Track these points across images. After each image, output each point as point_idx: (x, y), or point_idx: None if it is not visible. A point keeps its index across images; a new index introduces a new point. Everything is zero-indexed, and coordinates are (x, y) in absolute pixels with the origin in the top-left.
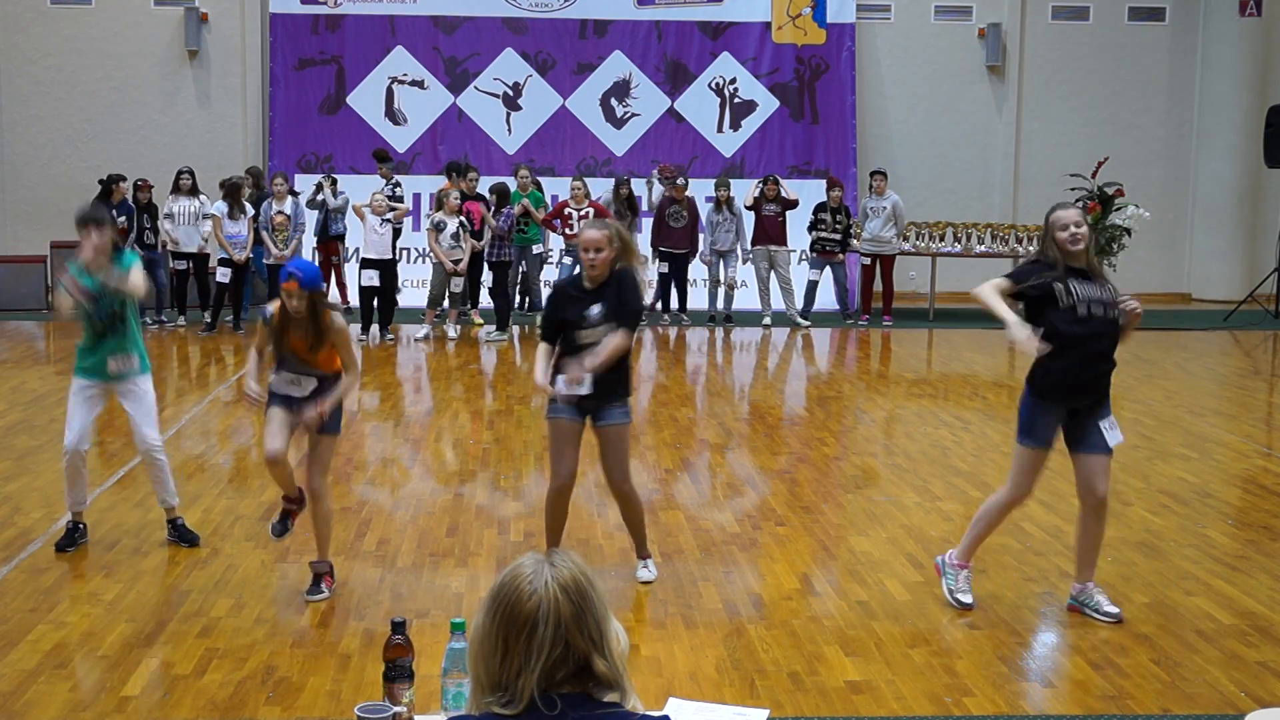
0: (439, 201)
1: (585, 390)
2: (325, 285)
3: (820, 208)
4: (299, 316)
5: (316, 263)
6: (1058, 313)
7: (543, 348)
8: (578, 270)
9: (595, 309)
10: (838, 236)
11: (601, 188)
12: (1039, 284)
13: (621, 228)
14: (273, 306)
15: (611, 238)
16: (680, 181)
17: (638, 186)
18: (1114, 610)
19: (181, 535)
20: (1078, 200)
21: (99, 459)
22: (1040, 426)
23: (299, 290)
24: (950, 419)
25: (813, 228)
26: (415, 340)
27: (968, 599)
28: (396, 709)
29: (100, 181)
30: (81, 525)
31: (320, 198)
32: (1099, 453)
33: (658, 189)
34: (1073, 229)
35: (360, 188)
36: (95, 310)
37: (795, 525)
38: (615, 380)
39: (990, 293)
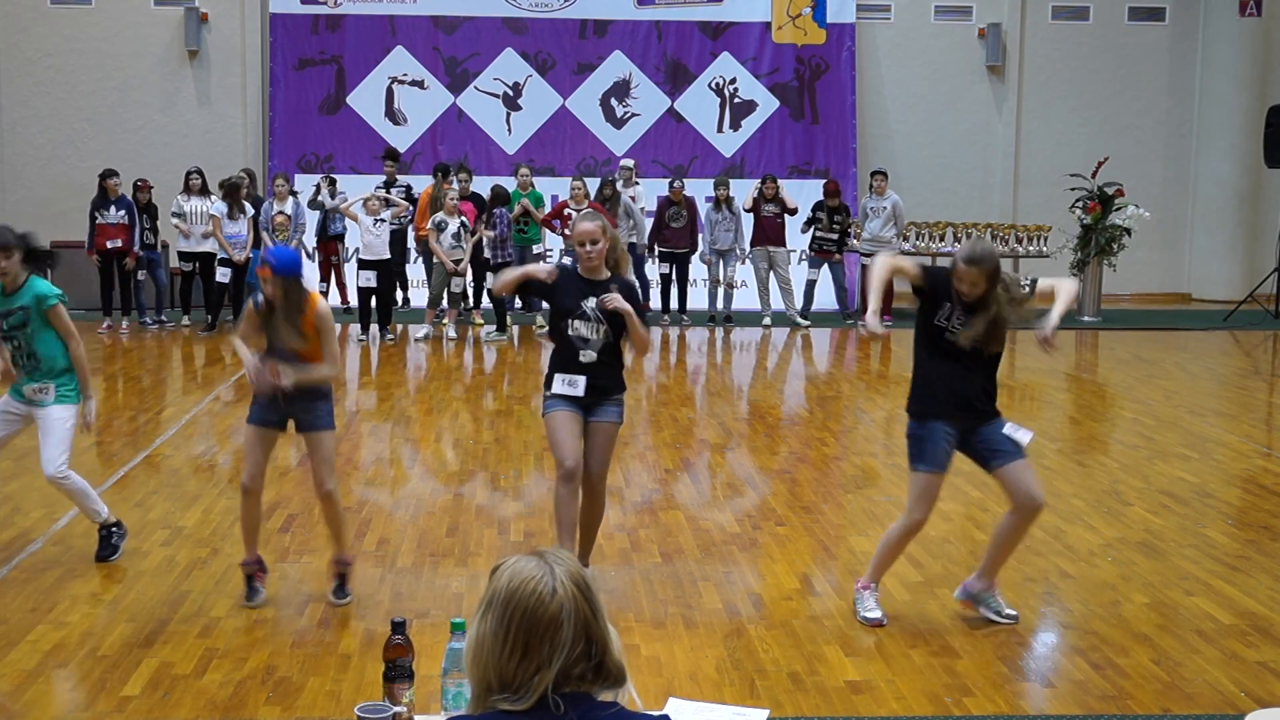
0: (435, 202)
1: (579, 391)
2: (325, 285)
3: (818, 206)
4: (279, 303)
5: (316, 262)
6: (931, 326)
7: (505, 274)
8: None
9: (591, 303)
10: (835, 236)
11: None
12: (938, 286)
13: (610, 226)
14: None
15: (605, 228)
16: (678, 184)
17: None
18: (1013, 613)
19: (103, 546)
20: (1078, 200)
21: (98, 459)
22: (931, 450)
23: (272, 276)
24: None
25: (809, 225)
26: (415, 340)
27: (878, 614)
28: (396, 709)
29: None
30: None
31: (320, 198)
32: (1016, 459)
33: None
34: (968, 287)
35: (361, 188)
36: (4, 334)
37: (795, 525)
38: (613, 376)
39: (883, 269)
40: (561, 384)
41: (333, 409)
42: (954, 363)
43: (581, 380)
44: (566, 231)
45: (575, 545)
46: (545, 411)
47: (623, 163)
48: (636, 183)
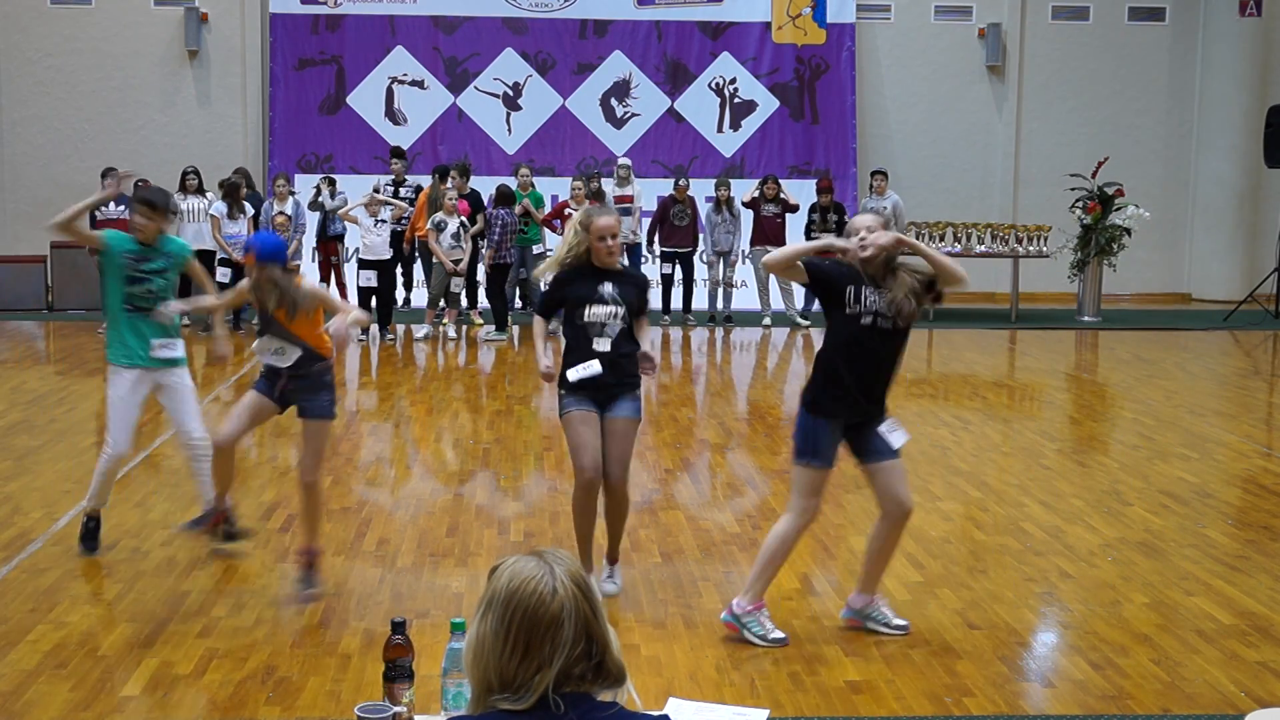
0: (434, 204)
1: (596, 370)
2: (325, 285)
3: (811, 208)
4: (267, 290)
5: (316, 263)
6: (843, 317)
7: (538, 322)
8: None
9: (608, 286)
10: (831, 236)
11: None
12: (832, 274)
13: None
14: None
15: (620, 220)
16: (682, 183)
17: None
18: (902, 622)
19: (228, 533)
20: (1078, 200)
21: (98, 459)
22: (822, 445)
23: (255, 264)
24: (950, 419)
25: (808, 230)
26: (415, 340)
27: (779, 634)
28: (396, 709)
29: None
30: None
31: (319, 200)
32: (888, 458)
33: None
34: (863, 233)
35: (361, 188)
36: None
37: None
38: (629, 368)
39: (791, 250)
40: (577, 371)
41: (334, 399)
42: (866, 359)
43: (596, 364)
44: None
45: (590, 555)
46: (563, 411)
47: (620, 161)
48: (630, 182)
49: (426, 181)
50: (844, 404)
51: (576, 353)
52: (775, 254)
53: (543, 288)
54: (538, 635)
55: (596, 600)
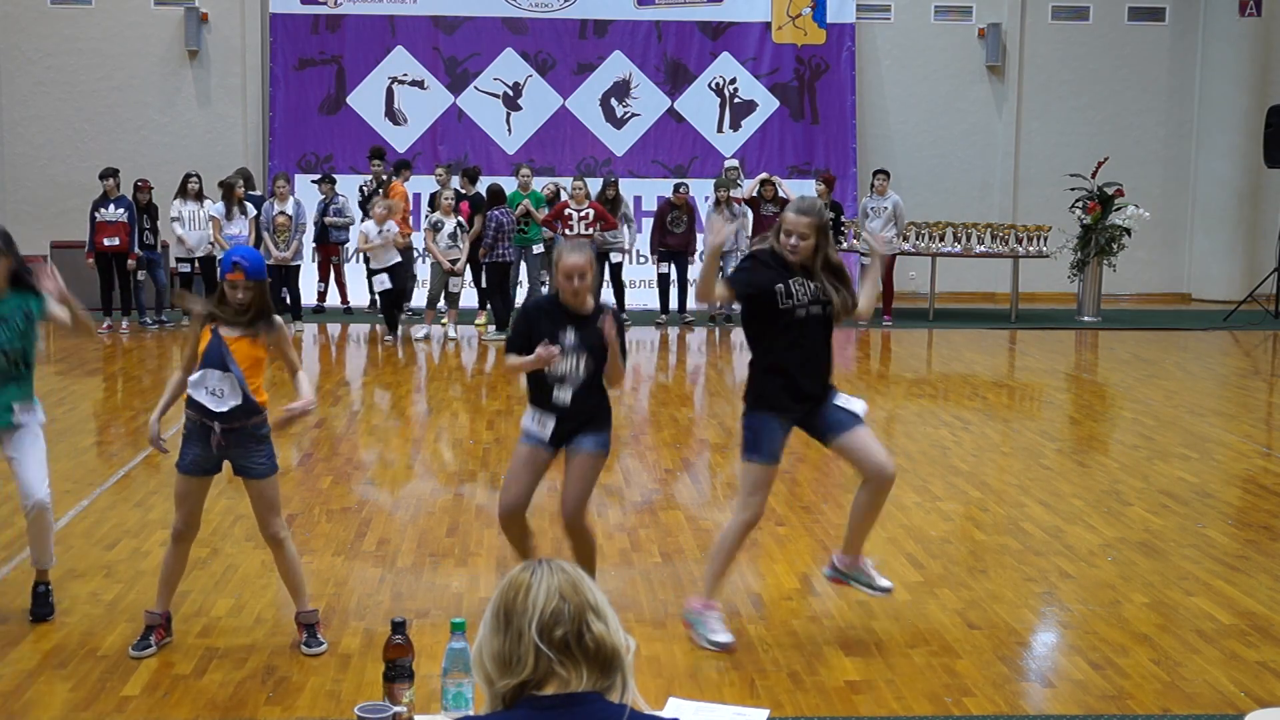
0: (432, 202)
1: (546, 434)
2: (324, 285)
3: None
4: (242, 310)
5: (316, 263)
6: (777, 314)
7: (514, 357)
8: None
9: (570, 335)
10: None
11: (599, 188)
12: (757, 279)
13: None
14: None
15: (592, 261)
16: (681, 189)
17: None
18: (886, 584)
19: (43, 603)
20: (1078, 200)
21: (98, 459)
22: (769, 440)
23: (245, 281)
24: (950, 419)
25: None
26: (415, 340)
27: (726, 637)
28: (396, 709)
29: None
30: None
31: (330, 220)
32: (852, 425)
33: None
34: (796, 239)
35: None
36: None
37: (795, 525)
38: (595, 406)
39: (704, 271)
40: (531, 420)
41: (273, 452)
42: (799, 350)
43: (551, 421)
44: (566, 232)
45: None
46: (522, 441)
47: (728, 164)
48: (739, 185)
49: (416, 184)
50: (789, 393)
51: (536, 397)
52: (698, 285)
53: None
54: (514, 604)
55: (578, 578)
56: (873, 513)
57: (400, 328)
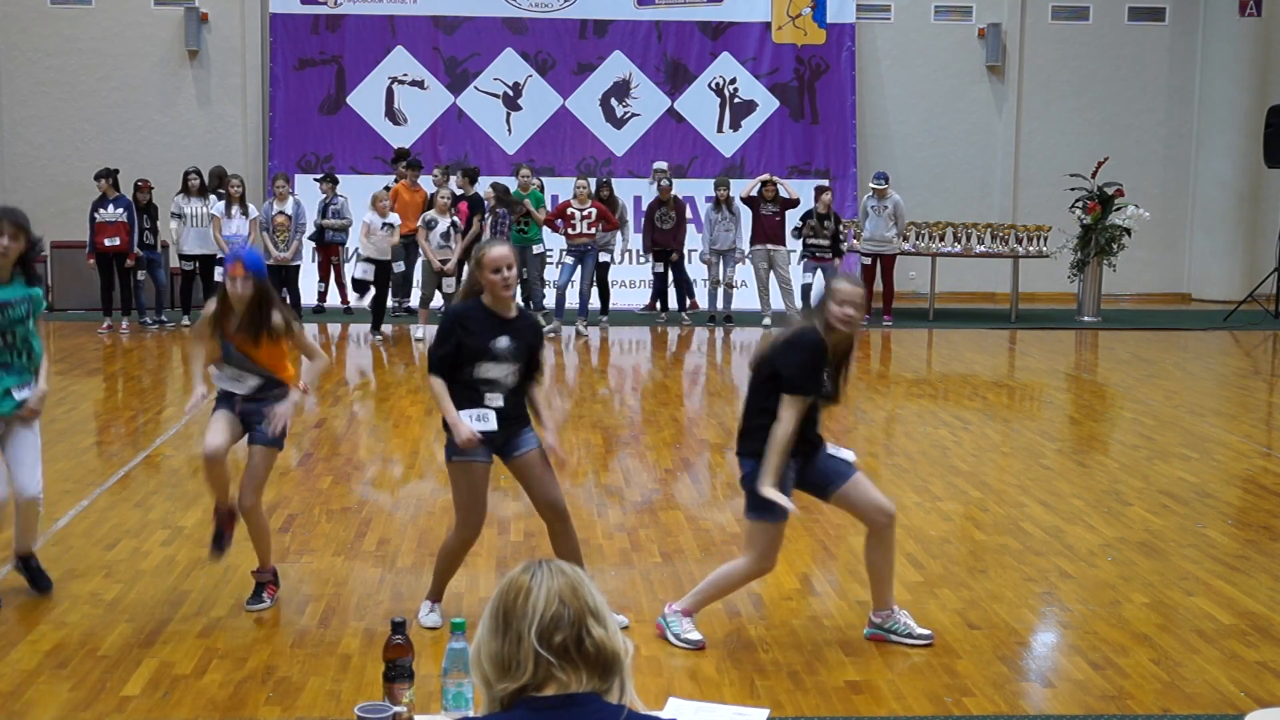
0: (430, 201)
1: (491, 426)
2: (324, 285)
3: (807, 215)
4: (241, 305)
5: (315, 263)
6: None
7: (437, 384)
8: (457, 298)
9: (504, 341)
10: (826, 242)
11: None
12: (819, 387)
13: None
14: (211, 305)
15: (515, 253)
16: (665, 183)
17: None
18: (925, 632)
19: (41, 576)
20: (1078, 200)
21: (98, 459)
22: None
23: (244, 274)
24: (950, 419)
25: (798, 234)
26: (415, 340)
27: (696, 635)
28: (396, 709)
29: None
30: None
31: (325, 223)
32: (850, 474)
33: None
34: (851, 310)
35: (361, 188)
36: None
37: (795, 525)
38: (523, 406)
39: (778, 453)
40: (470, 419)
41: (286, 427)
42: (811, 418)
43: (492, 414)
44: (569, 231)
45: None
46: (458, 459)
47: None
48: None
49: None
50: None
51: (465, 401)
52: (772, 475)
53: (518, 299)
54: (514, 608)
55: (578, 581)
56: (889, 562)
57: (385, 326)
